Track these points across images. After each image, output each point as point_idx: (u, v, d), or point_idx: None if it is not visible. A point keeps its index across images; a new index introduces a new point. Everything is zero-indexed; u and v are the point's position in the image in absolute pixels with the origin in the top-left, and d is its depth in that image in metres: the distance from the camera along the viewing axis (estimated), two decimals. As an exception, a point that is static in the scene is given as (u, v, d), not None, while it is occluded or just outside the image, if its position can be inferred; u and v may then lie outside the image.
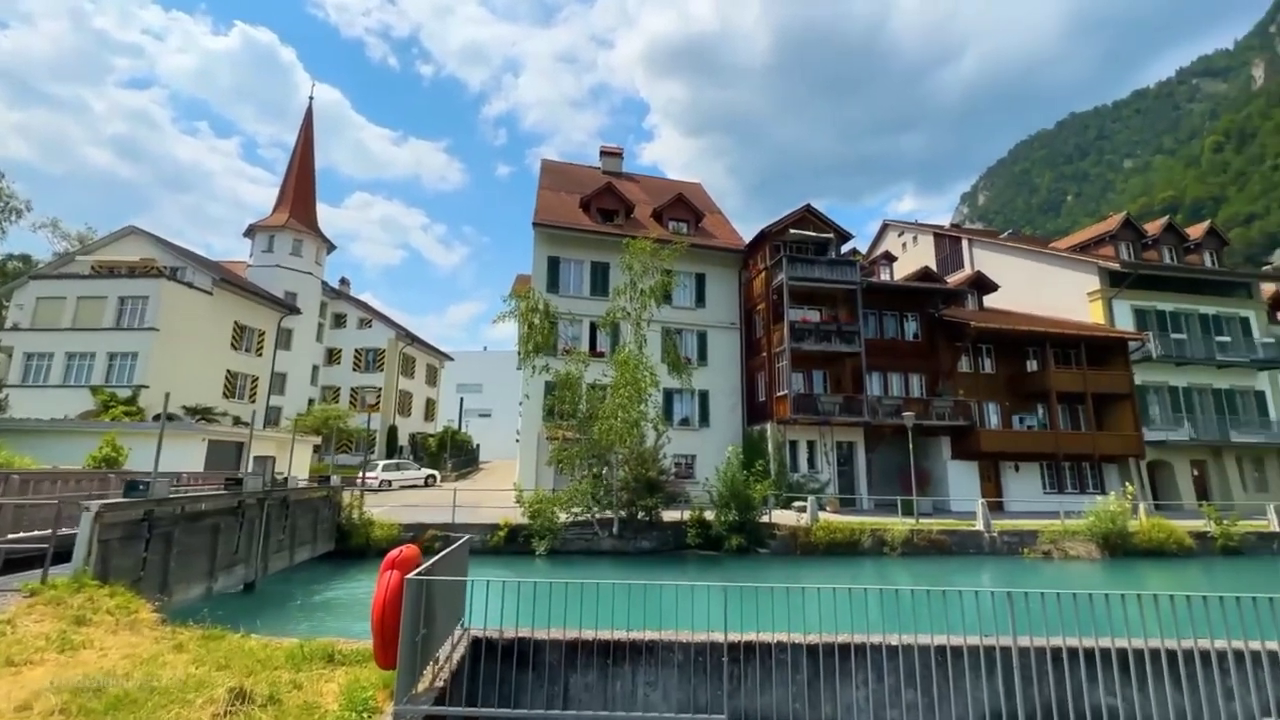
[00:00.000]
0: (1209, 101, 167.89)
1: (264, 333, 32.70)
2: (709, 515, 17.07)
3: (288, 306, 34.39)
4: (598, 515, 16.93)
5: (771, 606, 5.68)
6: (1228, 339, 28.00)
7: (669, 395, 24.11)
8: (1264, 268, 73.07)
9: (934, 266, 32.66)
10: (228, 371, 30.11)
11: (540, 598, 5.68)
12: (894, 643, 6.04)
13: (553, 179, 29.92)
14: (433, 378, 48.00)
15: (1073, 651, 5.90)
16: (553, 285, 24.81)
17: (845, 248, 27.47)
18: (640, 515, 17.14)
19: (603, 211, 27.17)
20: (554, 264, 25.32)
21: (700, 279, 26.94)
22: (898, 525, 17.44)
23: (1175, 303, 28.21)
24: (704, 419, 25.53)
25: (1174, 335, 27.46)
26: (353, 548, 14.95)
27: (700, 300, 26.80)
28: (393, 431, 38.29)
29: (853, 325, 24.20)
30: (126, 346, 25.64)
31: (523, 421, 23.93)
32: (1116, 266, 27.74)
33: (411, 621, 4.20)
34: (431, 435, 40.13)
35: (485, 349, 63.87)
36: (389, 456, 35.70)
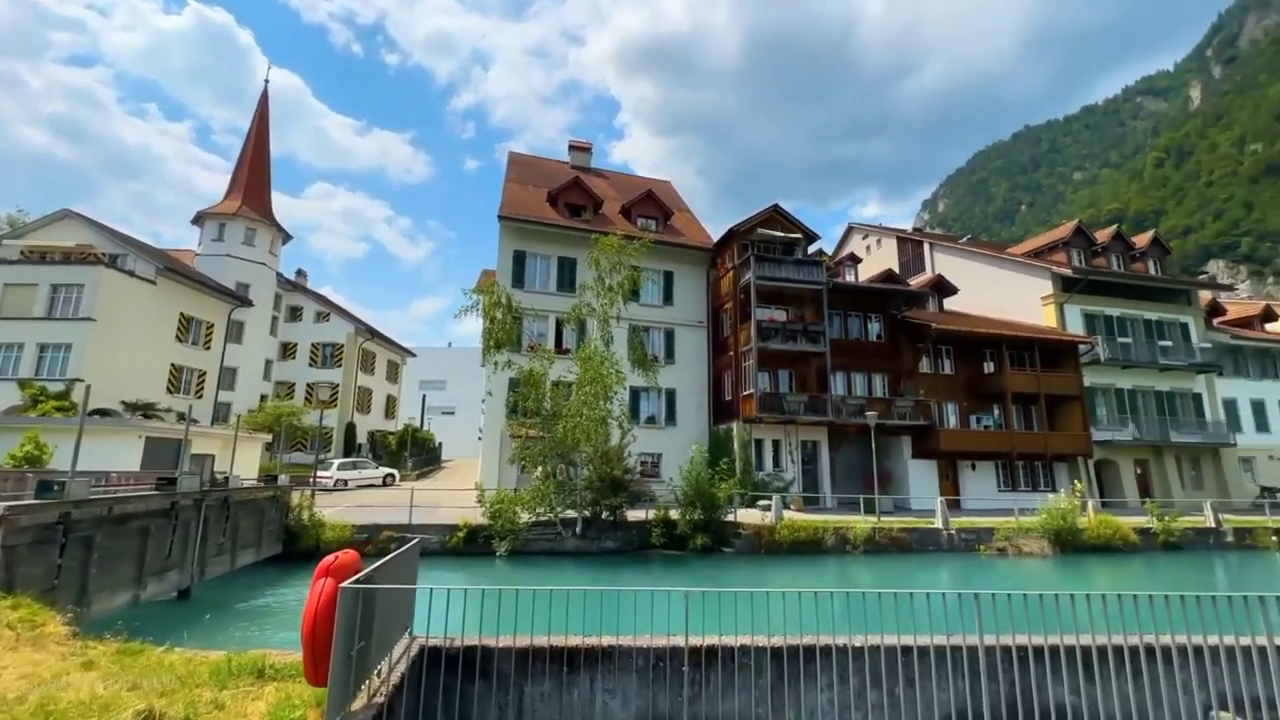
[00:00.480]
0: (1151, 119, 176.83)
1: (212, 325, 31.17)
2: (674, 514, 16.90)
3: (239, 298, 32.87)
4: (561, 515, 16.57)
5: (735, 608, 5.50)
6: (1169, 343, 29.35)
7: (635, 393, 23.87)
8: (1199, 277, 77.26)
9: (896, 269, 33.31)
10: (172, 365, 28.56)
11: (495, 602, 5.36)
12: (858, 644, 5.94)
13: (520, 172, 29.34)
14: (394, 374, 46.65)
15: (1036, 649, 5.91)
16: (518, 280, 24.27)
17: (811, 249, 27.72)
18: (604, 515, 16.85)
19: (570, 206, 26.74)
20: (520, 258, 24.78)
21: (668, 277, 26.78)
22: (860, 523, 17.59)
23: (1122, 308, 29.43)
24: (670, 417, 25.39)
25: (1120, 339, 28.62)
26: (301, 550, 14.22)
27: (668, 298, 26.64)
28: (351, 429, 36.99)
29: (818, 325, 24.39)
30: (59, 338, 24.02)
31: (485, 419, 23.34)
32: (1069, 272, 28.74)
33: (345, 634, 3.82)
34: (391, 433, 38.95)
35: (450, 345, 62.50)
36: (346, 455, 34.46)
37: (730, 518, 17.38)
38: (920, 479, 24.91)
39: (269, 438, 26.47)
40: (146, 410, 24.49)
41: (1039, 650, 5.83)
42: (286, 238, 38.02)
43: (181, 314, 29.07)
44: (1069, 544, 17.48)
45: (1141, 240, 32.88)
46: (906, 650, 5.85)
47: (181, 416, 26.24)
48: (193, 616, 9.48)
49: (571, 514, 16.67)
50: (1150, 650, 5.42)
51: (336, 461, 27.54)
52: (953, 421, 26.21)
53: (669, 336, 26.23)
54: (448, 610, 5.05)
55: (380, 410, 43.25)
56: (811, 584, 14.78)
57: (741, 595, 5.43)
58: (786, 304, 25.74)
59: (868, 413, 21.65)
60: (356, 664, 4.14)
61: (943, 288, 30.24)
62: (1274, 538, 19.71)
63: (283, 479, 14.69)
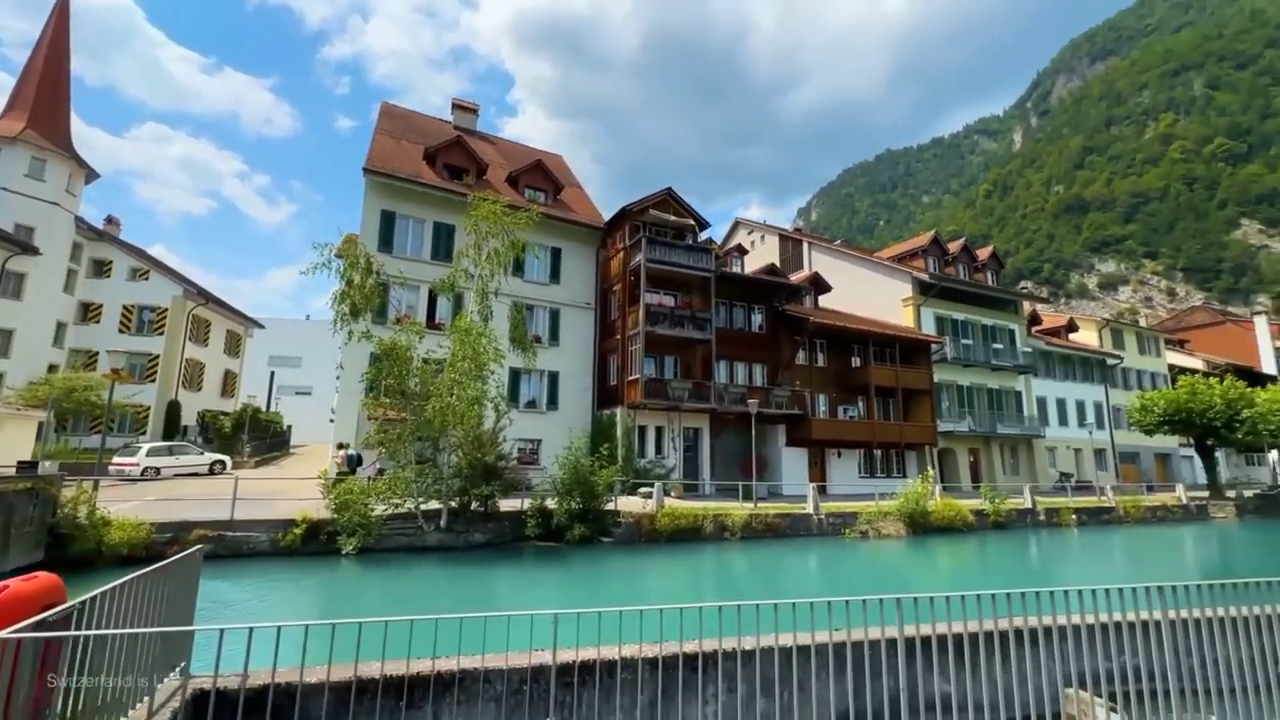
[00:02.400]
0: (984, 156, 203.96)
1: (-25, 274, 24.83)
2: (551, 504, 15.83)
3: (18, 243, 26.54)
4: (423, 506, 14.83)
5: (619, 614, 4.65)
6: (1000, 346, 33.33)
7: (516, 375, 22.40)
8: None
9: (778, 264, 34.57)
10: (-90, 322, 22.30)
11: (314, 620, 4.02)
12: (747, 646, 5.47)
13: (394, 125, 26.29)
14: (234, 347, 40.52)
15: (910, 640, 5.86)
16: (385, 244, 21.66)
17: (700, 237, 27.75)
18: (474, 505, 15.37)
19: (450, 168, 24.40)
20: (389, 219, 22.11)
21: (556, 254, 25.43)
22: (738, 510, 17.71)
23: (965, 313, 32.90)
24: (553, 401, 24.20)
25: (963, 341, 32.01)
26: (75, 556, 11.26)
27: (555, 276, 25.31)
28: (174, 408, 31.41)
29: (705, 313, 24.45)
30: None
31: (339, 398, 20.61)
32: (926, 277, 31.52)
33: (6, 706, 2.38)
34: (227, 414, 33.70)
35: (308, 318, 55.93)
36: (168, 437, 29.23)
37: (610, 506, 16.67)
38: (793, 466, 26.01)
39: (44, 415, 21.35)
40: None
41: (913, 641, 5.85)
42: (92, 175, 31.42)
43: (-74, 256, 22.75)
44: (920, 526, 18.92)
45: (983, 254, 37.01)
46: (800, 650, 5.42)
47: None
48: None
49: (436, 505, 14.98)
50: (1021, 634, 5.50)
51: (146, 446, 22.97)
52: (823, 411, 27.66)
53: (554, 316, 24.95)
54: (285, 639, 3.62)
55: (215, 387, 37.37)
56: (692, 572, 14.51)
57: (618, 599, 4.55)
58: (676, 289, 25.53)
59: (749, 401, 22.00)
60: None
61: (819, 284, 31.81)
62: (1073, 516, 22.95)
63: (47, 465, 11.51)
